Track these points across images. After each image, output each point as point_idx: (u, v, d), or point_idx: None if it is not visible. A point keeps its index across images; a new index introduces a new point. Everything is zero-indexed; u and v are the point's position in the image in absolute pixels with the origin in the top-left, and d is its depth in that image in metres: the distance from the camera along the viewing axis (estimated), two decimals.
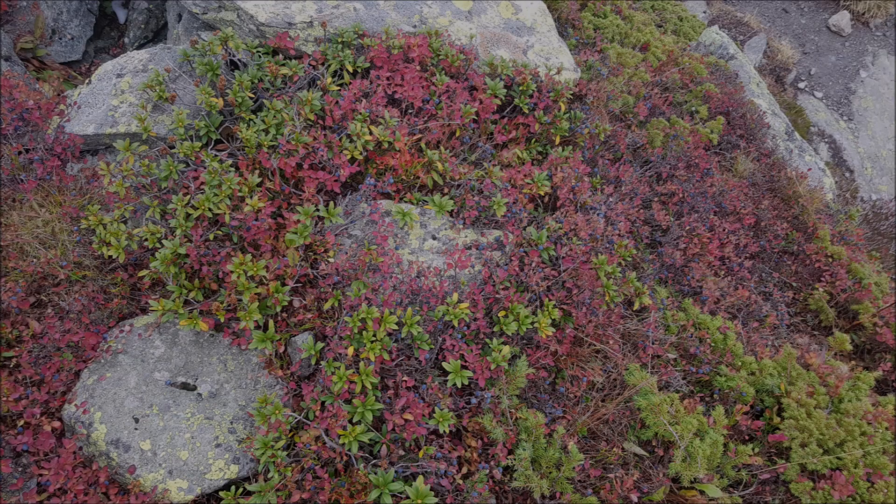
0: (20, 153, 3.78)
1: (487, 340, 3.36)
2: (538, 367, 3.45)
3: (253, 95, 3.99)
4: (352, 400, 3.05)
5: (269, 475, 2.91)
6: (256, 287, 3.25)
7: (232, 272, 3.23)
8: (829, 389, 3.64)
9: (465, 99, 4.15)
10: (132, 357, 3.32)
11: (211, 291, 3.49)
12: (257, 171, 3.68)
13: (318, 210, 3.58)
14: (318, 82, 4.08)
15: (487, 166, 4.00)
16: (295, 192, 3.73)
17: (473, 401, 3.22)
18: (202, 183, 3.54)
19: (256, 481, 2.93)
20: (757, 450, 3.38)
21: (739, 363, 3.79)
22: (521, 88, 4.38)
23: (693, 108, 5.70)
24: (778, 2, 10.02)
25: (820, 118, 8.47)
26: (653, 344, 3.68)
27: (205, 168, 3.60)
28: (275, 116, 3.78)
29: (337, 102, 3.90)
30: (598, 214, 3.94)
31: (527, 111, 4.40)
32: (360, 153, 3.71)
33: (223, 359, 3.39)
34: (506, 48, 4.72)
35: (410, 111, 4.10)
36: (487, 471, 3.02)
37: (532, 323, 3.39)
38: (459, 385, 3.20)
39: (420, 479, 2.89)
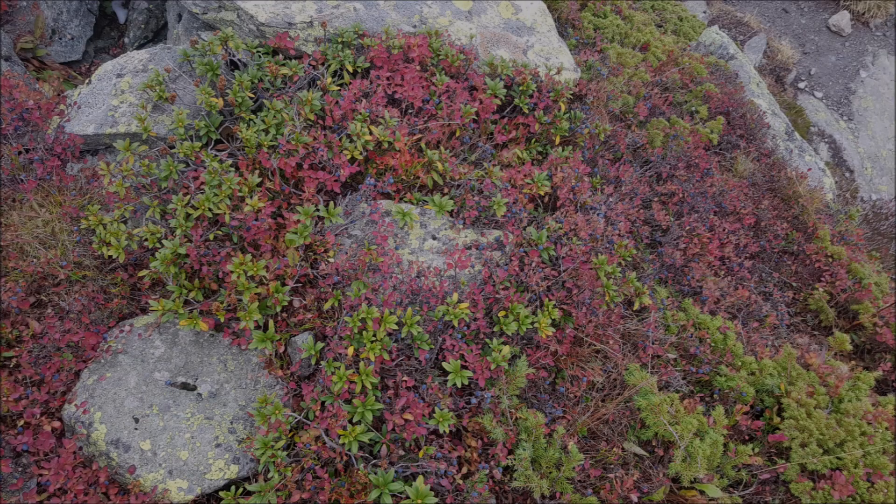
0: (20, 153, 3.78)
1: (487, 340, 3.36)
2: (538, 367, 3.45)
3: (253, 95, 3.99)
4: (352, 400, 3.05)
5: (269, 475, 2.91)
6: (256, 287, 3.26)
7: (232, 272, 3.23)
8: (829, 389, 3.64)
9: (465, 99, 4.15)
10: (132, 357, 3.32)
11: (211, 291, 3.49)
12: (257, 171, 3.68)
13: (318, 210, 3.58)
14: (318, 82, 4.08)
15: (487, 166, 4.00)
16: (295, 192, 3.73)
17: (473, 401, 3.22)
18: (202, 183, 3.54)
19: (256, 481, 2.93)
20: (757, 450, 3.37)
21: (739, 363, 3.79)
22: (521, 88, 4.38)
23: (693, 108, 5.70)
24: (778, 2, 10.02)
25: (820, 118, 8.46)
26: (653, 344, 3.68)
27: (205, 168, 3.60)
28: (275, 116, 3.78)
29: (337, 102, 3.90)
30: (598, 214, 3.94)
31: (527, 111, 4.40)
32: (360, 153, 3.71)
33: (223, 359, 3.39)
34: (506, 48, 4.71)
35: (410, 111, 4.10)
36: (487, 471, 3.02)
37: (532, 323, 3.39)
38: (459, 385, 3.20)
39: (420, 479, 2.89)
